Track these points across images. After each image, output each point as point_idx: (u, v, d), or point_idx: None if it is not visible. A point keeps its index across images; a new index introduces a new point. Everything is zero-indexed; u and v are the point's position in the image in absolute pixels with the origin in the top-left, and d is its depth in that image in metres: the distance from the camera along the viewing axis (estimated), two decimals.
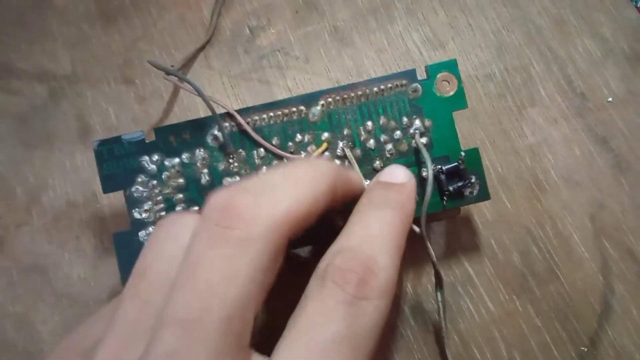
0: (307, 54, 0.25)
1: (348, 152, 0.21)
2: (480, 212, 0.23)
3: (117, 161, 0.21)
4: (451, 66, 0.21)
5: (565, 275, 0.23)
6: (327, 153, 0.21)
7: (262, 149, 0.21)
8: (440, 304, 0.20)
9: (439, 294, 0.20)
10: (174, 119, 0.24)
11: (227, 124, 0.21)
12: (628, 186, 0.23)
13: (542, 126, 0.24)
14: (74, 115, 0.25)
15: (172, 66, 0.24)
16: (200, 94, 0.21)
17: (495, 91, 0.24)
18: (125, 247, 0.20)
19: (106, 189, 0.21)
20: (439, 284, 0.20)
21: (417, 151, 0.21)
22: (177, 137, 0.21)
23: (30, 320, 0.23)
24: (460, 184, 0.20)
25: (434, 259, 0.19)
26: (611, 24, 0.25)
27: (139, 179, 0.21)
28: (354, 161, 0.20)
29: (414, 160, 0.21)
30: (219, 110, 0.21)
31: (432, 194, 0.20)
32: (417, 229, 0.19)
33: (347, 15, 0.25)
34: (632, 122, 0.24)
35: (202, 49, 0.25)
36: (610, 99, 0.24)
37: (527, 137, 0.24)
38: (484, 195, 0.21)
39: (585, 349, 0.22)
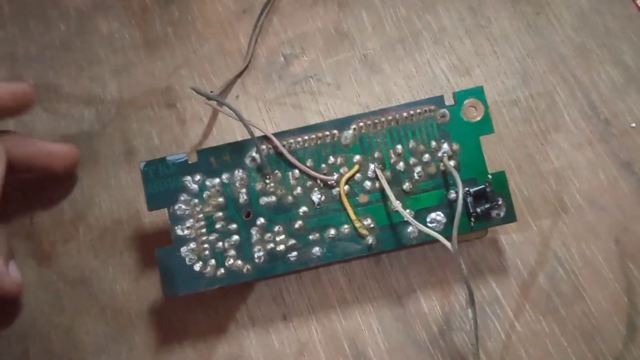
0: (339, 81, 0.27)
1: (379, 173, 0.22)
2: (506, 234, 0.24)
3: (161, 181, 0.22)
4: (478, 93, 0.22)
5: (591, 296, 0.23)
6: (358, 175, 0.22)
7: (296, 171, 0.22)
8: (472, 320, 0.21)
9: (470, 310, 0.21)
10: (212, 141, 0.26)
11: (264, 147, 0.22)
12: None
13: (566, 151, 0.25)
14: (119, 138, 0.26)
15: (211, 92, 0.25)
16: (239, 117, 0.22)
17: (520, 116, 0.26)
18: (167, 262, 0.22)
19: (151, 206, 0.22)
20: (471, 301, 0.21)
21: (444, 174, 0.22)
22: (217, 158, 0.22)
23: (75, 331, 0.24)
24: (487, 205, 0.21)
25: (466, 274, 0.20)
26: (633, 52, 0.26)
27: (182, 198, 0.22)
28: (384, 182, 0.22)
29: (441, 183, 0.22)
30: (257, 134, 0.22)
31: (461, 214, 0.21)
32: (449, 246, 0.20)
33: (376, 44, 0.27)
34: None
35: (239, 75, 0.27)
36: (633, 125, 0.25)
37: (552, 161, 0.25)
38: (510, 217, 0.22)
39: None
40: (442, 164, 0.22)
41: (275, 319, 0.24)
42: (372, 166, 0.22)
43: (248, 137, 0.22)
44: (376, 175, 0.22)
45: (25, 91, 0.22)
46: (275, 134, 0.22)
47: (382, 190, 0.22)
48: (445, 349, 0.23)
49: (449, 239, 0.20)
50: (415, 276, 0.24)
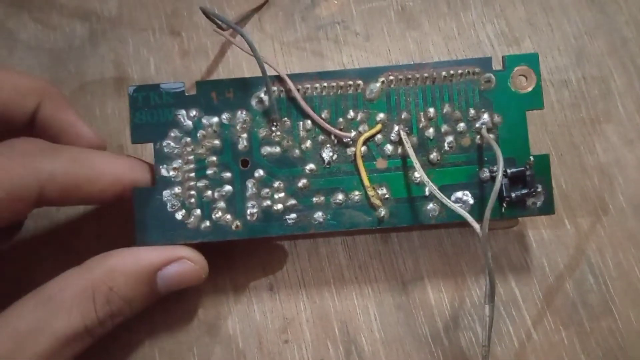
0: (369, 31, 0.24)
1: (404, 136, 0.19)
2: (535, 229, 0.22)
3: (151, 111, 0.20)
4: (532, 60, 0.20)
5: (621, 311, 0.21)
6: (379, 136, 0.20)
7: (309, 121, 0.20)
8: (489, 319, 0.18)
9: (487, 307, 0.18)
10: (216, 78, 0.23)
11: (275, 88, 0.20)
12: None
13: (616, 145, 0.22)
14: (111, 61, 0.24)
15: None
16: (252, 48, 0.19)
17: (569, 100, 0.23)
18: (146, 205, 0.19)
19: (135, 139, 0.20)
20: (491, 296, 0.18)
21: (480, 148, 0.20)
22: (219, 94, 0.20)
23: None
24: (524, 191, 0.19)
25: (491, 266, 0.17)
26: None
27: (172, 134, 0.20)
28: (410, 148, 0.19)
29: (474, 158, 0.20)
30: (270, 73, 0.19)
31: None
32: (479, 229, 0.17)
33: None
34: None
35: (257, 9, 0.24)
36: None
37: (598, 154, 0.22)
38: (548, 208, 0.19)
39: None
40: (478, 136, 0.19)
41: (261, 289, 0.22)
42: (396, 128, 0.19)
43: (259, 75, 0.19)
44: (400, 139, 0.19)
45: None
46: (290, 75, 0.20)
47: (404, 157, 0.19)
48: (448, 348, 0.21)
49: (479, 222, 0.17)
50: (425, 262, 0.22)
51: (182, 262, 0.19)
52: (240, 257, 0.22)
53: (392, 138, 0.20)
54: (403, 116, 0.20)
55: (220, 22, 0.20)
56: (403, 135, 0.19)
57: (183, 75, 0.23)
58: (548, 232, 0.22)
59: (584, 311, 0.21)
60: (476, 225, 0.17)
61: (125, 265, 0.18)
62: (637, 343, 0.21)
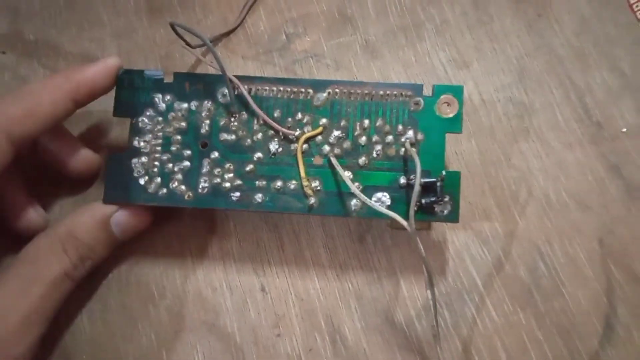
0: (338, 63, 0.28)
1: (335, 161, 0.23)
2: (491, 226, 0.25)
3: (133, 91, 0.24)
4: (457, 91, 0.23)
5: (570, 293, 0.24)
6: (320, 137, 0.24)
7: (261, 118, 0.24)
8: (431, 303, 0.22)
9: (428, 292, 0.21)
10: None
11: (239, 86, 0.24)
12: (637, 214, 0.25)
13: (557, 149, 0.26)
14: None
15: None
16: (213, 53, 0.23)
17: (514, 112, 0.27)
18: (116, 169, 0.23)
19: (117, 113, 0.24)
20: (430, 284, 0.21)
21: (403, 159, 0.23)
22: (192, 85, 0.24)
23: None
24: (433, 199, 0.22)
25: (424, 255, 0.21)
26: (630, 59, 0.27)
27: (148, 113, 0.24)
28: (340, 170, 0.22)
29: (397, 167, 0.23)
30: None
31: (406, 202, 0.23)
32: (406, 225, 0.21)
33: (379, 30, 0.28)
34: None
35: (227, 34, 0.28)
36: (624, 130, 0.26)
37: (542, 158, 0.26)
38: (453, 217, 0.23)
39: None
40: (403, 148, 0.23)
41: (254, 290, 0.25)
42: (327, 148, 0.23)
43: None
44: (330, 163, 0.23)
45: (116, 67, 0.24)
46: (251, 78, 0.24)
47: (337, 157, 0.23)
48: (421, 333, 0.24)
49: (405, 219, 0.21)
50: (397, 259, 0.25)
51: (130, 208, 0.24)
52: (235, 263, 0.25)
53: (330, 141, 0.23)
54: (342, 123, 0.24)
55: (189, 41, 0.25)
56: (333, 160, 0.23)
57: None
58: (503, 228, 0.25)
59: (538, 294, 0.25)
60: (404, 222, 0.21)
61: (82, 219, 0.23)
62: (587, 320, 0.24)
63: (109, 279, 0.25)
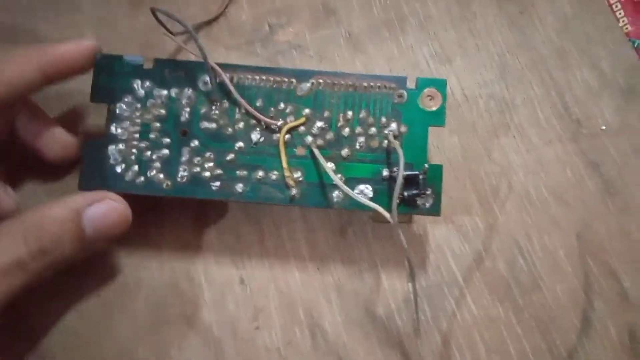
0: (321, 55, 0.28)
1: (317, 152, 0.23)
2: (472, 221, 0.26)
3: (111, 77, 0.23)
4: (440, 85, 0.24)
5: (549, 287, 0.25)
6: (302, 127, 0.23)
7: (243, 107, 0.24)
8: (412, 295, 0.22)
9: (410, 285, 0.22)
10: None
11: (221, 74, 0.23)
12: (615, 210, 0.26)
13: (537, 145, 0.27)
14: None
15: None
16: (195, 40, 0.23)
17: (496, 108, 0.27)
18: (92, 156, 0.23)
19: (94, 99, 0.23)
20: (411, 275, 0.22)
21: (386, 151, 0.23)
22: (172, 72, 0.24)
23: None
24: (415, 192, 0.22)
25: (406, 247, 0.21)
26: (610, 59, 0.28)
27: (126, 99, 0.23)
28: (323, 160, 0.23)
29: (379, 159, 0.23)
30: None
31: (388, 195, 0.23)
32: (389, 217, 0.21)
33: (362, 23, 0.28)
34: (623, 151, 0.27)
35: (207, 23, 0.28)
36: (603, 127, 0.27)
37: (522, 153, 0.27)
38: (435, 210, 0.23)
39: None
40: (386, 141, 0.23)
41: (233, 283, 0.25)
42: (310, 139, 0.23)
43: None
44: (312, 154, 0.23)
45: (90, 48, 0.23)
46: (233, 66, 0.24)
47: (320, 148, 0.23)
48: (400, 326, 0.24)
49: (387, 211, 0.21)
50: (378, 252, 0.25)
51: (106, 202, 0.22)
52: (213, 254, 0.25)
53: (313, 132, 0.23)
54: (325, 114, 0.24)
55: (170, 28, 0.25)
56: (316, 151, 0.23)
57: None
58: (482, 222, 0.26)
59: (516, 288, 0.25)
60: (386, 214, 0.21)
61: (53, 209, 0.21)
62: (564, 314, 0.25)
63: (84, 269, 0.25)
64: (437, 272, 0.25)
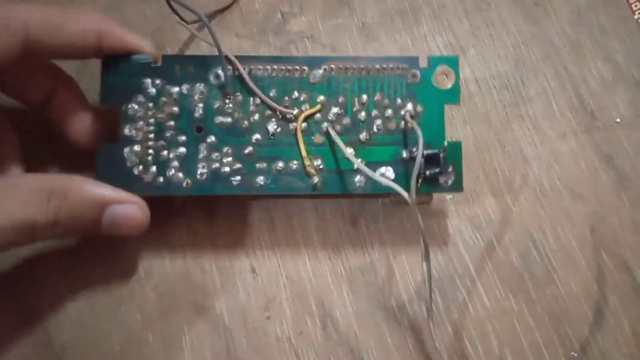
0: (334, 44, 0.28)
1: (332, 132, 0.23)
2: (484, 212, 0.26)
3: (121, 77, 0.23)
4: (452, 62, 0.24)
5: (562, 280, 0.25)
6: (318, 115, 0.24)
7: (258, 98, 0.24)
8: (426, 275, 0.22)
9: (424, 265, 0.22)
10: None
11: (230, 68, 0.24)
12: (629, 203, 0.26)
13: (551, 138, 0.27)
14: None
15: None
16: (209, 29, 0.23)
17: (510, 100, 0.27)
18: (108, 160, 0.23)
19: (105, 100, 0.23)
20: (426, 255, 0.22)
21: (403, 132, 0.24)
22: (182, 67, 0.24)
23: None
24: (437, 170, 0.23)
25: (422, 227, 0.22)
26: (624, 52, 0.28)
27: (137, 99, 0.23)
28: (338, 139, 0.23)
29: (398, 140, 0.24)
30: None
31: (409, 175, 0.23)
32: (407, 196, 0.21)
33: (376, 13, 0.28)
34: (637, 144, 0.27)
35: (220, 11, 0.28)
36: (618, 120, 0.27)
37: (536, 146, 0.27)
38: (457, 186, 0.23)
39: (575, 355, 0.24)
40: (403, 121, 0.24)
41: (244, 272, 0.25)
42: (325, 124, 0.23)
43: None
44: (327, 131, 0.23)
45: (149, 50, 0.24)
46: (244, 57, 0.24)
47: (337, 134, 0.23)
48: (412, 317, 0.24)
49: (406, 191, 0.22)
50: (390, 242, 0.25)
51: (131, 206, 0.22)
52: (224, 244, 0.25)
53: (329, 118, 0.24)
54: (340, 100, 0.24)
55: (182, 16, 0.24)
56: (331, 131, 0.23)
57: None
58: (495, 213, 0.26)
59: (530, 281, 0.25)
60: (404, 193, 0.21)
61: (82, 187, 0.21)
62: (577, 306, 0.25)
63: (92, 255, 0.25)
64: (449, 264, 0.25)
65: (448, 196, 0.26)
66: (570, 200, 0.26)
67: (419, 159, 0.22)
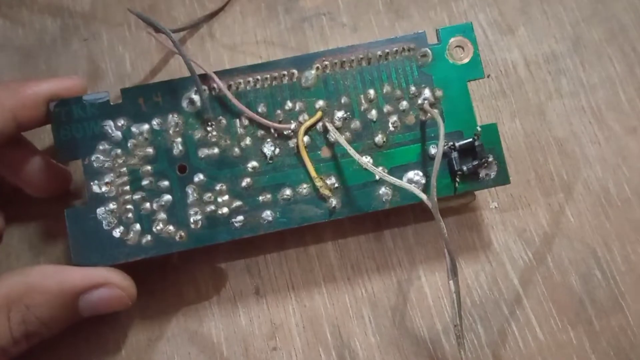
0: (356, 23, 0.25)
1: (331, 127, 0.20)
2: (537, 223, 0.23)
3: (76, 125, 0.20)
4: (467, 30, 0.21)
5: (631, 307, 0.22)
6: (320, 124, 0.21)
7: (245, 118, 0.20)
8: (455, 295, 0.19)
9: (451, 283, 0.19)
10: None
11: (205, 87, 0.20)
12: None
13: (618, 134, 0.23)
14: (85, 57, 0.24)
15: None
16: (177, 47, 0.20)
17: (567, 88, 0.24)
18: (79, 226, 0.20)
19: (62, 157, 0.20)
20: (452, 271, 0.19)
21: (425, 125, 0.21)
22: (147, 99, 0.20)
23: None
24: (475, 163, 0.20)
25: (446, 237, 0.18)
26: None
27: (101, 147, 0.20)
28: (341, 139, 0.20)
29: (421, 136, 0.21)
30: (200, 72, 0.20)
31: (443, 174, 0.20)
32: (425, 199, 0.18)
33: None
34: None
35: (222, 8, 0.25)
36: None
37: (600, 144, 0.23)
38: (503, 178, 0.20)
39: None
40: (422, 112, 0.21)
41: (246, 293, 0.22)
42: (327, 122, 0.20)
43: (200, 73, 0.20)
44: (325, 129, 0.20)
45: (78, 84, 0.21)
46: (220, 72, 0.20)
47: (348, 142, 0.20)
48: (448, 352, 0.21)
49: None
50: (422, 260, 0.22)
51: (108, 288, 0.19)
52: (224, 259, 0.22)
53: (335, 124, 0.20)
54: (343, 101, 0.21)
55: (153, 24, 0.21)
56: (329, 126, 0.20)
57: (161, 70, 0.24)
58: (551, 225, 0.22)
59: (592, 308, 0.22)
60: (422, 195, 0.18)
61: (45, 285, 0.18)
62: None
63: None
64: (493, 287, 0.22)
65: (492, 204, 0.23)
66: None
67: (439, 154, 0.19)
